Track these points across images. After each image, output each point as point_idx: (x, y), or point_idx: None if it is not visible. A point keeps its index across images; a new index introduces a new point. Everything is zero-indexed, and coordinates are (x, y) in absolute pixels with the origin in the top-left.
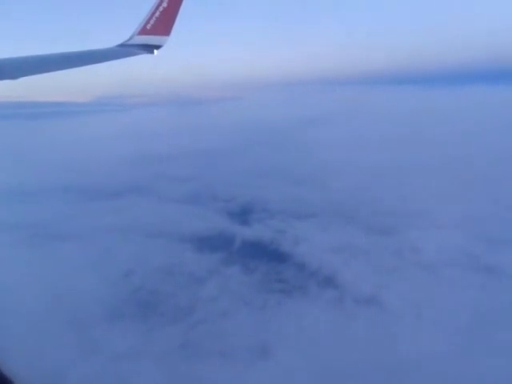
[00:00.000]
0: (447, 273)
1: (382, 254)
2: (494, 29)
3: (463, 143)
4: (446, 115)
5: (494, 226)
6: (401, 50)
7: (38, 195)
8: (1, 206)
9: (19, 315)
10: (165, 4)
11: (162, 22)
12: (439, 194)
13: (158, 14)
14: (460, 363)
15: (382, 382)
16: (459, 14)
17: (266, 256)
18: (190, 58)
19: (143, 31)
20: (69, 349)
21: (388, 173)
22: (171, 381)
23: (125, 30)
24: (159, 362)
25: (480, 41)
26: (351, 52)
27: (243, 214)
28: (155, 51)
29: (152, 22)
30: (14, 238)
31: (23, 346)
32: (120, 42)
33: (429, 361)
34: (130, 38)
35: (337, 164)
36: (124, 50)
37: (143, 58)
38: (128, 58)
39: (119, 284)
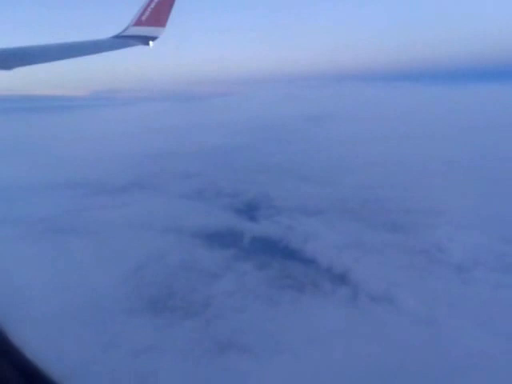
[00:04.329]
0: (464, 270)
1: (393, 251)
2: (496, 27)
3: (474, 141)
4: (454, 112)
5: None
6: (405, 46)
7: (41, 190)
8: (7, 201)
9: (32, 310)
10: None
11: (158, 13)
12: (450, 192)
13: (153, 5)
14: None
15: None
16: (461, 11)
17: (276, 252)
18: (187, 51)
19: (138, 22)
20: (86, 343)
21: (396, 170)
22: (192, 374)
23: (120, 21)
24: (179, 356)
25: (482, 38)
26: (353, 47)
27: (250, 211)
28: (151, 43)
29: (147, 13)
30: (22, 233)
31: (39, 341)
32: (115, 33)
33: (449, 361)
34: (126, 29)
35: (343, 160)
36: (119, 41)
37: (140, 52)
38: (125, 52)
39: (131, 279)
